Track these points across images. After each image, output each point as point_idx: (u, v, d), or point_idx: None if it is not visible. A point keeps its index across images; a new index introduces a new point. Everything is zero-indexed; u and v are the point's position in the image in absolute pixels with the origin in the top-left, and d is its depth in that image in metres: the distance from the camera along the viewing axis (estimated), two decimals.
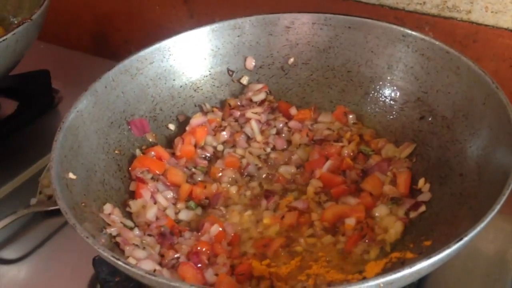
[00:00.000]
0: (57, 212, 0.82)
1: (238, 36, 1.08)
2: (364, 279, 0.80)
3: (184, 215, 0.94)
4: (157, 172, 0.97)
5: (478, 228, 0.70)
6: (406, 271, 0.66)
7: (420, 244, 0.82)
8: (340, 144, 0.99)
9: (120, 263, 0.72)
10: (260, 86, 1.08)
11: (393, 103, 1.01)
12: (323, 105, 1.07)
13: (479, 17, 1.07)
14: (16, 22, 1.28)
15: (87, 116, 0.95)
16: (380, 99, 1.03)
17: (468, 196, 0.83)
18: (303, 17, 1.06)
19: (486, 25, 1.07)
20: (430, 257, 0.67)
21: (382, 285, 0.66)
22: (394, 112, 1.01)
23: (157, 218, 0.91)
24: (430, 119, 0.96)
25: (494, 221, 0.73)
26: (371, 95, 1.03)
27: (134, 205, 0.92)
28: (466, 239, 0.69)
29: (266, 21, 1.07)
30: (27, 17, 1.08)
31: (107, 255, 0.73)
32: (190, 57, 1.07)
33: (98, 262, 0.87)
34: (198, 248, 0.86)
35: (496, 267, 0.90)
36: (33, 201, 1.01)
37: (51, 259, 0.97)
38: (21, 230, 1.01)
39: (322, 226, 0.89)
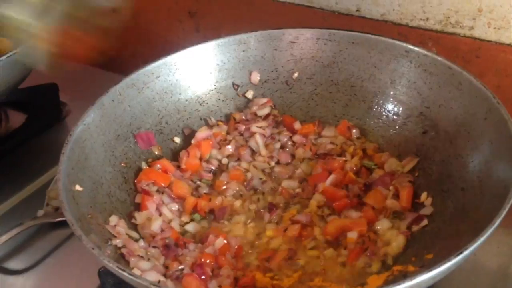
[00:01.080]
0: (64, 224, 0.83)
1: (244, 51, 1.09)
2: None
3: (189, 227, 0.95)
4: (163, 184, 0.98)
5: (479, 242, 0.71)
6: (406, 284, 0.67)
7: (422, 258, 0.82)
8: (343, 158, 1.00)
9: (125, 274, 0.73)
10: (264, 100, 1.09)
11: (396, 117, 1.02)
12: (327, 119, 1.08)
13: (481, 33, 1.07)
14: None
15: (94, 129, 0.96)
16: (383, 113, 1.03)
17: (470, 210, 0.84)
18: (307, 32, 1.08)
19: (488, 41, 1.07)
20: (430, 270, 0.68)
21: None
22: (397, 127, 1.02)
23: (162, 230, 0.92)
24: (432, 133, 0.97)
25: (497, 235, 0.73)
26: (374, 109, 1.04)
27: (139, 217, 0.93)
28: (466, 252, 0.70)
29: (271, 36, 1.09)
30: None
31: (112, 266, 0.74)
32: (196, 71, 1.08)
33: (104, 273, 0.88)
34: (202, 260, 0.86)
35: (500, 281, 0.90)
36: (40, 212, 1.02)
37: (57, 270, 0.98)
38: (27, 241, 1.02)
39: (324, 239, 0.90)
